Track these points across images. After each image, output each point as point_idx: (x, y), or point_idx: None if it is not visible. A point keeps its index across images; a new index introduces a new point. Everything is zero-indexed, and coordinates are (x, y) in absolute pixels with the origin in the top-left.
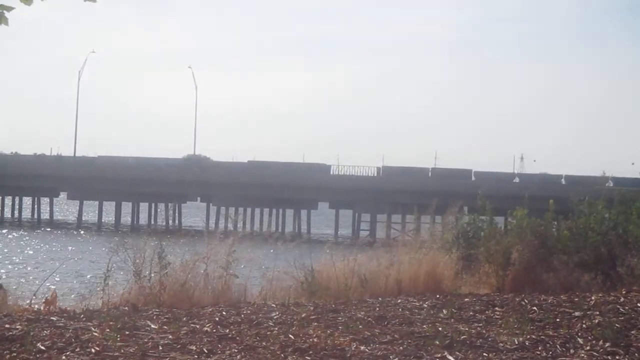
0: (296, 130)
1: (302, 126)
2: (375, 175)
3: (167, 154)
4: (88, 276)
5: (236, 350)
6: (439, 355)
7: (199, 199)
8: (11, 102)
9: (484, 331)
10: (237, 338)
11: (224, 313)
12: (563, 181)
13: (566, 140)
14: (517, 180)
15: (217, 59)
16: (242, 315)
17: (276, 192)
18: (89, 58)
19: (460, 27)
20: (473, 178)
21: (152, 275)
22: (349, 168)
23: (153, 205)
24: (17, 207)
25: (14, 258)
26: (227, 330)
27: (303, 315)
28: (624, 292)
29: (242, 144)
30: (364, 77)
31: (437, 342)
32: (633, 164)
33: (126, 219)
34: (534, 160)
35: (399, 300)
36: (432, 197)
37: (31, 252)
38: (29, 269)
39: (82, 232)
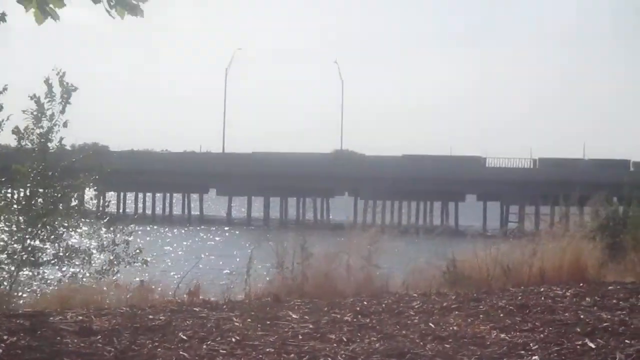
0: (442, 123)
1: (448, 119)
2: (532, 167)
3: (313, 149)
4: (232, 269)
5: (375, 339)
6: (580, 342)
7: (346, 193)
8: (161, 102)
9: (627, 319)
10: (377, 327)
11: (365, 303)
12: None
13: None
14: None
15: (360, 52)
16: (383, 305)
17: (429, 185)
18: (236, 55)
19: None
20: (632, 168)
21: (295, 266)
22: (504, 160)
23: (301, 200)
24: (167, 203)
25: (167, 252)
26: (368, 320)
27: (444, 304)
28: None
29: (388, 138)
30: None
31: (579, 329)
32: None
33: (275, 214)
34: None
35: (542, 289)
36: (588, 189)
37: (184, 245)
38: (174, 263)
39: (230, 227)
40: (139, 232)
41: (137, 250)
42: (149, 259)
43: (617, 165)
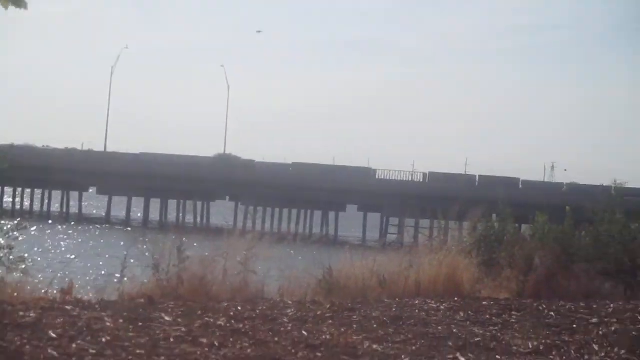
0: (329, 132)
1: (334, 127)
2: (422, 181)
3: (198, 153)
4: (106, 270)
5: (247, 345)
6: (451, 356)
7: (227, 198)
8: (43, 98)
9: (499, 334)
10: (250, 333)
11: (239, 308)
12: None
13: (601, 148)
14: (565, 189)
15: (248, 57)
16: (258, 311)
17: (313, 193)
18: (122, 54)
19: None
20: (520, 186)
21: (171, 268)
22: (395, 173)
23: (182, 202)
24: (46, 200)
25: (44, 249)
26: (241, 325)
27: (318, 313)
28: None
29: (275, 146)
30: (391, 80)
31: (451, 344)
32: None
33: (156, 216)
34: (565, 170)
35: (417, 302)
36: (477, 205)
37: (61, 245)
38: (48, 261)
39: (108, 227)
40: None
41: (19, 258)
42: (27, 263)
43: (507, 183)
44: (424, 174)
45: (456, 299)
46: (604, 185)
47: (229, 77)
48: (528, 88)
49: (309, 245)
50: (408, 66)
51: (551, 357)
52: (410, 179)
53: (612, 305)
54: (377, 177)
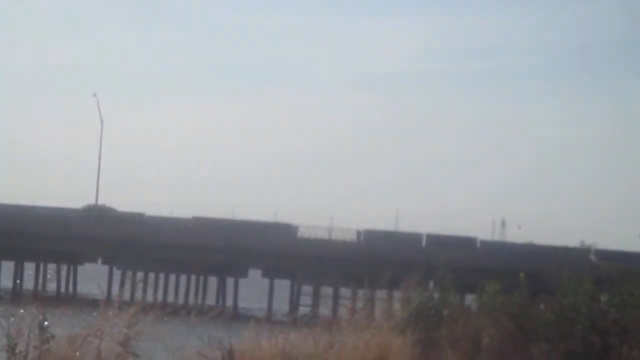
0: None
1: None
2: (355, 240)
3: (62, 204)
4: None
5: None
6: None
7: (100, 260)
8: None
9: None
10: None
11: None
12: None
13: (555, 205)
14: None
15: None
16: None
17: (220, 256)
18: None
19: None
20: (478, 245)
21: (31, 350)
22: (322, 230)
23: (41, 265)
24: None
25: None
26: None
27: None
28: None
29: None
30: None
31: None
32: None
33: (8, 283)
34: (519, 227)
35: None
36: (428, 269)
37: None
38: None
39: None
40: None
41: None
42: None
43: (461, 243)
44: (358, 232)
45: None
46: (569, 246)
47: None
48: (473, 130)
49: (205, 320)
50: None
51: None
52: (341, 238)
53: None
54: (299, 235)
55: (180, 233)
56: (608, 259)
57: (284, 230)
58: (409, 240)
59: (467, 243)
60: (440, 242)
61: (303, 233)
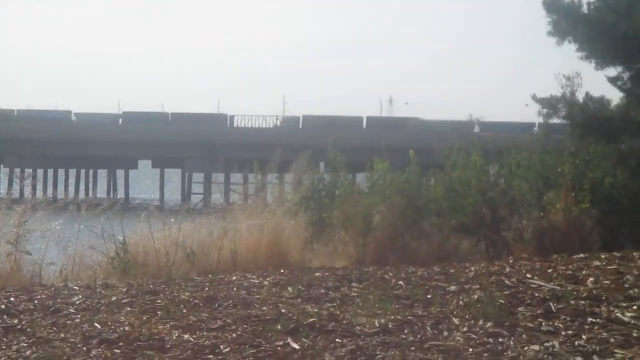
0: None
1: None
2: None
3: None
4: None
5: (26, 345)
6: (281, 343)
7: None
8: None
9: (337, 312)
10: (29, 330)
11: (12, 299)
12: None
13: (438, 83)
14: (476, 130)
15: None
16: (36, 302)
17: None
18: None
19: None
20: (365, 126)
21: None
22: (253, 119)
23: None
24: None
25: None
26: (16, 321)
27: (113, 299)
28: (510, 261)
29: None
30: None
31: (279, 327)
32: (527, 105)
33: None
34: (406, 103)
35: (234, 277)
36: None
37: None
38: None
39: None
40: None
41: None
42: None
43: (349, 122)
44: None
45: (282, 271)
46: (457, 120)
47: None
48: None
49: (96, 214)
50: None
51: (403, 336)
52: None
53: (472, 268)
54: (235, 124)
55: (65, 129)
56: (493, 130)
57: (219, 120)
58: (291, 123)
59: (353, 122)
60: (326, 123)
61: (238, 122)
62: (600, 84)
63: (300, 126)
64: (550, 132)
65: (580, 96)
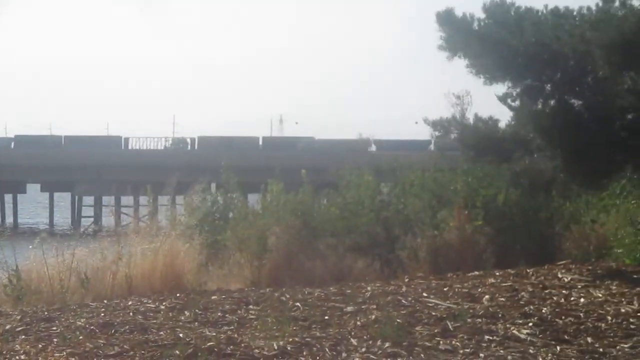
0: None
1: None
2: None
3: None
4: None
5: None
6: None
7: None
8: None
9: (235, 335)
10: None
11: None
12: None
13: (330, 101)
14: (373, 148)
15: None
16: None
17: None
18: None
19: None
20: (261, 145)
21: None
22: (148, 141)
23: None
24: None
25: None
26: None
27: (7, 327)
28: (406, 280)
29: None
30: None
31: (177, 352)
32: (417, 123)
33: None
34: (296, 123)
35: (130, 303)
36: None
37: None
38: None
39: None
40: None
41: None
42: None
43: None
44: (192, 139)
45: (179, 294)
46: (353, 139)
47: None
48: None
49: None
50: None
51: (302, 358)
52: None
53: (369, 288)
54: (129, 146)
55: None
56: (389, 148)
57: (112, 143)
58: (181, 145)
59: (250, 142)
60: (222, 144)
61: (134, 144)
62: (491, 100)
63: (197, 147)
64: (446, 150)
65: (470, 116)
